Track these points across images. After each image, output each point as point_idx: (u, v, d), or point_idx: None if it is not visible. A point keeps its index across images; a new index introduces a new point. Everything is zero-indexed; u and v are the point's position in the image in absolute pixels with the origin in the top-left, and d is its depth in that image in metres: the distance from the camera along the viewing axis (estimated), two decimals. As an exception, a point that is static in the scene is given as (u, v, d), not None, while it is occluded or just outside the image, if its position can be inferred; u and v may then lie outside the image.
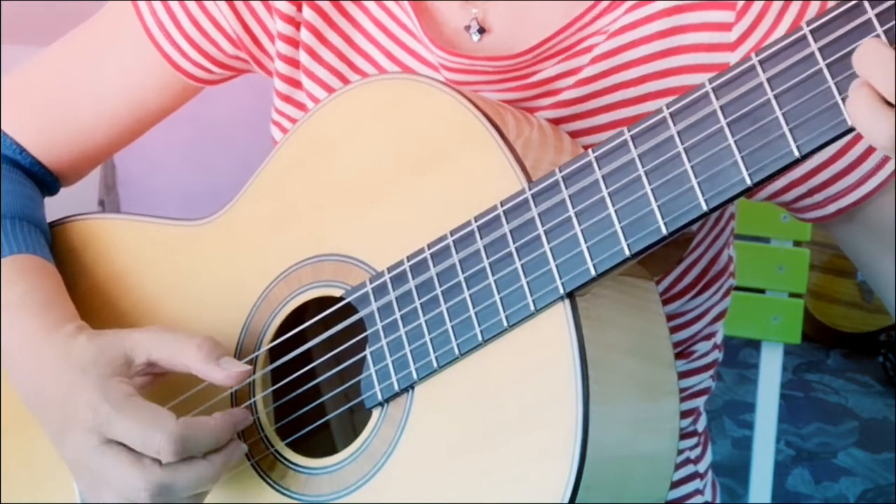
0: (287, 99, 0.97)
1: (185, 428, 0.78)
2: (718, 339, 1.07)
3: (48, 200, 1.06)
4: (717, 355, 1.07)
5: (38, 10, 2.50)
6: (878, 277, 0.91)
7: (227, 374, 0.81)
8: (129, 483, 0.78)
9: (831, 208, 0.89)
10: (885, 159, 0.87)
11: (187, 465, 0.79)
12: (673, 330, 0.98)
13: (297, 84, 0.96)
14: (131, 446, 0.78)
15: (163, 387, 0.87)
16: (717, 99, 0.67)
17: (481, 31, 0.89)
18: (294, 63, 0.95)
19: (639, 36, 0.85)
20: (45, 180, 1.05)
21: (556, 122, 0.87)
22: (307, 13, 0.93)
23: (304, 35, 0.93)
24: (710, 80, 0.67)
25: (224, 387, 0.85)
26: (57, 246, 0.99)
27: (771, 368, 1.55)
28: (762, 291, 1.56)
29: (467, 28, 0.90)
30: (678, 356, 1.02)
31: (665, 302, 0.94)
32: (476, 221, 0.76)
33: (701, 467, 1.10)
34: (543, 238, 0.73)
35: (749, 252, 1.53)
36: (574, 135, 0.86)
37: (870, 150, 0.86)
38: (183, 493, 0.79)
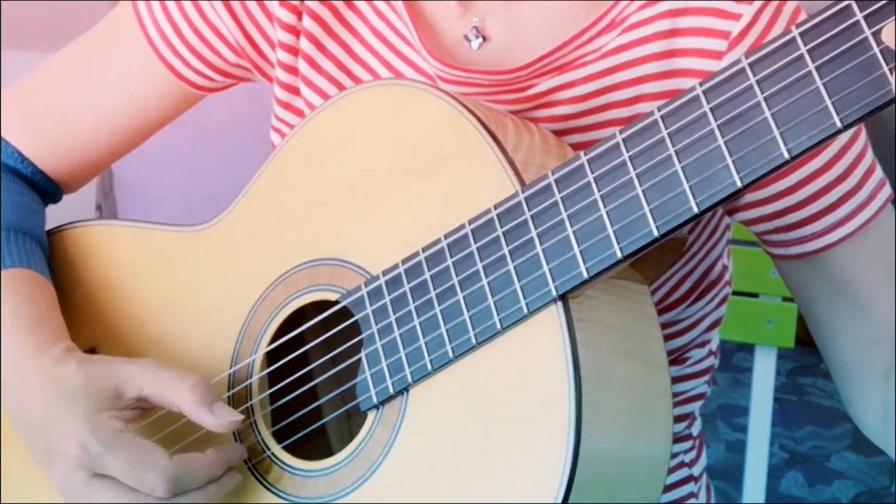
0: (287, 106, 0.98)
1: (178, 467, 0.78)
2: (713, 345, 1.07)
3: (46, 206, 1.06)
4: (713, 361, 1.07)
5: (38, 16, 2.50)
6: (820, 325, 0.93)
7: (218, 421, 0.81)
8: None
9: (794, 250, 0.90)
10: (856, 211, 0.88)
11: (183, 496, 0.79)
12: (667, 338, 0.98)
13: (296, 91, 0.97)
14: (124, 482, 0.78)
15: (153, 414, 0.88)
16: (708, 101, 0.67)
17: (482, 38, 0.90)
18: (293, 71, 0.96)
19: (634, 56, 0.86)
20: (47, 189, 1.05)
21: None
22: (307, 22, 0.93)
23: (304, 44, 0.94)
24: (701, 83, 0.67)
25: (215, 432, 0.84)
26: (55, 253, 1.00)
27: (764, 372, 1.55)
28: (756, 296, 1.56)
29: (466, 37, 0.90)
30: (672, 363, 1.02)
31: (660, 311, 0.95)
32: (470, 224, 0.76)
33: (695, 470, 1.10)
34: (536, 241, 0.73)
35: (742, 256, 1.53)
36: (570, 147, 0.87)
37: (842, 200, 0.87)
38: None
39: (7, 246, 0.94)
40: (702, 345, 1.04)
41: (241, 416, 0.82)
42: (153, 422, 0.88)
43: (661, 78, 0.86)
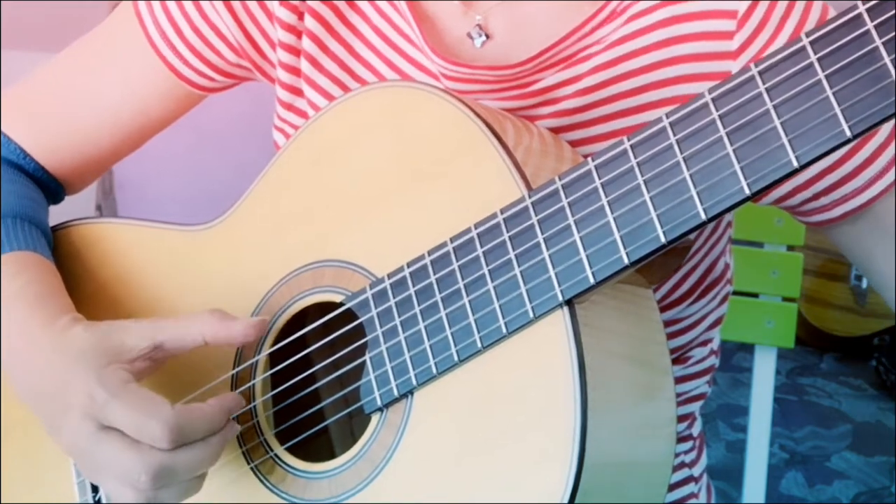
0: (289, 107, 0.98)
1: (181, 416, 0.78)
2: (715, 344, 1.07)
3: (47, 206, 1.06)
4: (714, 361, 1.07)
5: (38, 16, 2.50)
6: (884, 278, 0.91)
7: (245, 324, 0.81)
8: (129, 467, 0.77)
9: (837, 211, 0.89)
10: (892, 161, 0.87)
11: (186, 448, 0.78)
12: (669, 336, 0.98)
13: (298, 92, 0.97)
14: (127, 433, 0.78)
15: (161, 386, 0.88)
16: (717, 108, 0.67)
17: (485, 36, 0.90)
18: (295, 71, 0.96)
19: (639, 46, 0.86)
20: (50, 186, 1.05)
21: (555, 131, 0.87)
22: (309, 22, 0.93)
23: (306, 44, 0.94)
24: (710, 90, 0.67)
25: (244, 343, 0.84)
26: (59, 250, 0.99)
27: (764, 372, 1.55)
28: (756, 295, 1.56)
29: (469, 35, 0.90)
30: (674, 362, 1.02)
31: (662, 309, 0.95)
32: (476, 228, 0.76)
33: (696, 471, 1.10)
34: (543, 245, 0.73)
35: (743, 256, 1.53)
36: (573, 144, 0.87)
37: (878, 152, 0.86)
38: (183, 476, 0.79)
39: (14, 231, 0.94)
40: (703, 343, 1.05)
41: (265, 317, 0.83)
42: (163, 389, 0.88)
43: (667, 65, 0.86)
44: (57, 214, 1.04)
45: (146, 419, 0.77)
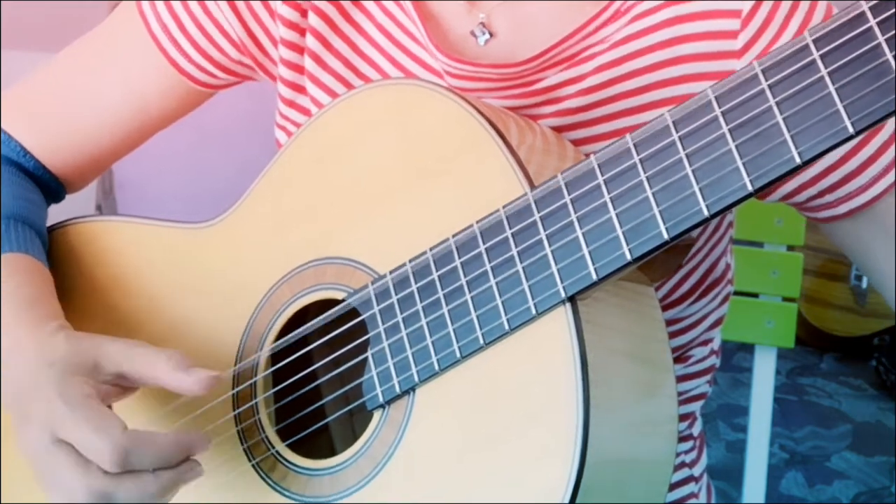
0: (291, 104, 0.98)
1: (130, 441, 0.75)
2: (715, 344, 1.07)
3: (47, 205, 1.06)
4: (714, 360, 1.08)
5: (38, 16, 2.50)
6: (884, 277, 0.91)
7: (194, 378, 0.79)
8: (73, 486, 0.76)
9: (843, 208, 0.89)
10: (894, 162, 0.87)
11: (132, 477, 0.76)
12: (670, 335, 0.98)
13: (301, 89, 0.97)
14: (77, 448, 0.77)
15: (158, 392, 0.88)
16: (719, 106, 0.67)
17: (489, 34, 0.90)
18: (298, 69, 0.96)
19: (643, 45, 0.86)
20: (50, 185, 1.05)
21: (558, 130, 0.88)
22: (313, 19, 0.93)
23: (310, 41, 0.94)
24: (713, 88, 0.67)
25: (194, 395, 0.82)
26: (57, 248, 0.99)
27: (764, 372, 1.55)
28: (756, 295, 1.56)
29: (473, 34, 0.90)
30: (674, 361, 1.02)
31: (663, 308, 0.95)
32: (478, 226, 0.76)
33: (696, 471, 1.10)
34: (545, 242, 0.73)
35: (743, 256, 1.53)
36: (576, 143, 0.87)
37: (882, 150, 0.87)
38: None
39: (7, 233, 0.94)
40: (704, 343, 1.05)
41: (217, 373, 0.80)
42: (160, 395, 0.87)
43: (670, 65, 0.86)
44: (56, 214, 1.04)
45: (94, 437, 0.75)
